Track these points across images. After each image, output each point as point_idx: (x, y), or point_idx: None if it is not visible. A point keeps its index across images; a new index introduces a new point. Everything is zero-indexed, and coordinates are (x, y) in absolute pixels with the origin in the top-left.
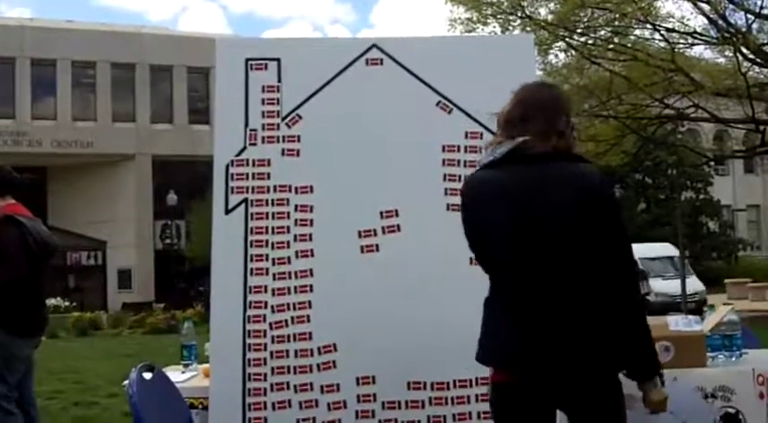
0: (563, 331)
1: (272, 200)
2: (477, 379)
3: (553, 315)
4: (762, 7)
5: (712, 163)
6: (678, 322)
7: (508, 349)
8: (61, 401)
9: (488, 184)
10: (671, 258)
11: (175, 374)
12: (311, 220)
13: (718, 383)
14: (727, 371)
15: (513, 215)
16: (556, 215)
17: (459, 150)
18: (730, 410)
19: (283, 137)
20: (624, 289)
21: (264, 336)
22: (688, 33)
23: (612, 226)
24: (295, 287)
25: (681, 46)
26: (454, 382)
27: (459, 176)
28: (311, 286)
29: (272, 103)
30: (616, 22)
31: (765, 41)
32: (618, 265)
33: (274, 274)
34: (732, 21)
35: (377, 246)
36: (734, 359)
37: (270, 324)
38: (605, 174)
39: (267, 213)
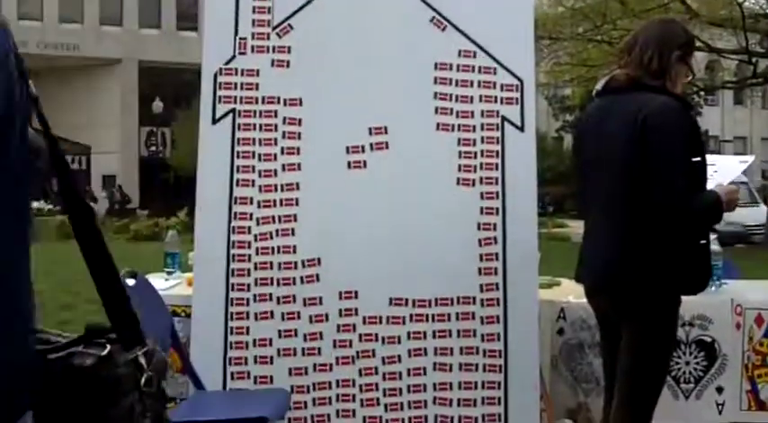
0: (602, 250)
1: (260, 111)
2: (458, 298)
3: (598, 237)
4: None
5: (702, 93)
6: None
7: (578, 261)
8: (42, 303)
9: (586, 114)
10: (745, 184)
11: (159, 282)
12: (299, 134)
13: (696, 312)
14: (705, 300)
15: (590, 143)
16: (610, 145)
17: (451, 69)
18: (706, 339)
19: (273, 47)
20: (658, 214)
21: (249, 247)
22: None
23: (658, 156)
24: (281, 200)
25: None
26: (436, 299)
27: (451, 95)
28: (297, 200)
29: (263, 12)
30: None
31: None
32: (656, 191)
33: (260, 187)
34: None
35: (364, 162)
36: (713, 289)
37: (254, 236)
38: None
39: (255, 125)
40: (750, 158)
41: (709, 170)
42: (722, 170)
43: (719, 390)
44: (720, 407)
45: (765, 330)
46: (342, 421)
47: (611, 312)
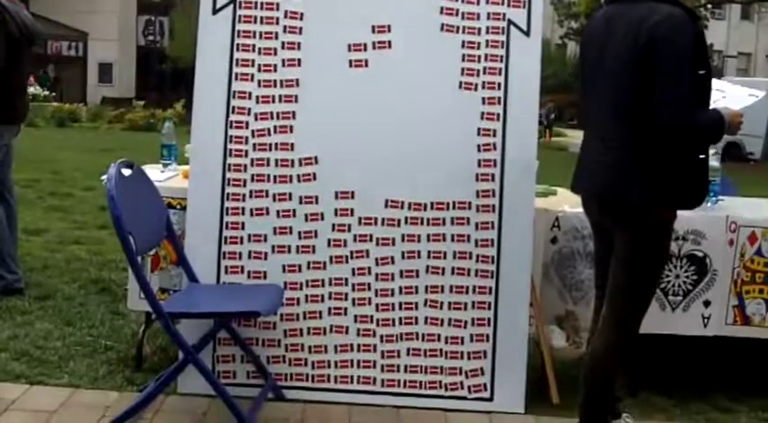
0: (601, 161)
1: (262, 3)
2: (454, 202)
3: (597, 146)
4: None
5: (710, 5)
6: None
7: (575, 172)
8: (37, 191)
9: (593, 22)
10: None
11: (154, 173)
12: (300, 29)
13: (690, 227)
14: (700, 215)
15: (594, 51)
16: (614, 53)
17: None
18: (698, 253)
19: None
20: (659, 127)
21: (246, 142)
22: None
23: (662, 67)
24: (280, 96)
25: None
26: (431, 203)
27: None
28: (296, 97)
29: None
30: None
31: None
32: (659, 103)
33: (259, 81)
34: None
35: (366, 61)
36: (709, 205)
37: (252, 131)
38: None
39: (255, 17)
40: (761, 93)
41: (718, 95)
42: (730, 98)
43: (706, 303)
44: (706, 320)
45: (757, 248)
46: (333, 319)
47: (606, 222)
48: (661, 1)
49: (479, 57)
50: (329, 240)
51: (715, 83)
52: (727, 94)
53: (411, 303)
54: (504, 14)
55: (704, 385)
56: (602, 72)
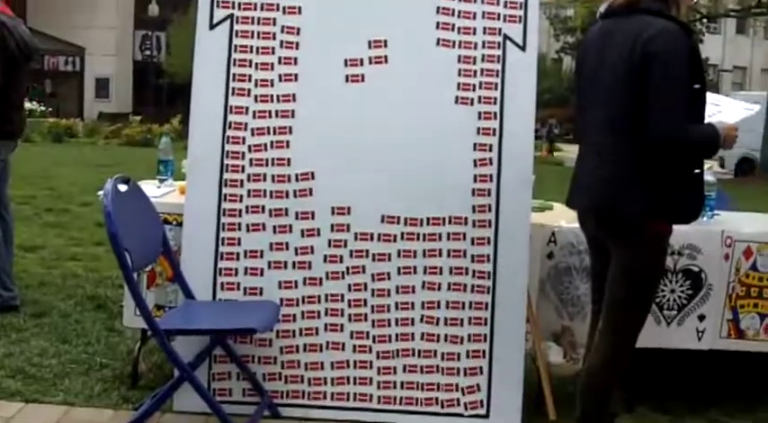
0: (597, 175)
1: (259, 18)
2: (450, 217)
3: (592, 161)
4: None
5: (705, 20)
6: None
7: (570, 186)
8: (33, 207)
9: (589, 35)
10: None
11: (151, 189)
12: (297, 44)
13: (686, 242)
14: (695, 230)
15: (590, 65)
16: (609, 68)
17: None
18: (693, 268)
19: None
20: (653, 142)
21: (243, 158)
22: None
23: (656, 82)
24: (276, 111)
25: None
26: (428, 219)
27: (453, 10)
28: (293, 112)
29: None
30: None
31: None
32: (653, 118)
33: (256, 96)
34: None
35: (362, 76)
36: (705, 219)
37: (249, 146)
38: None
39: (252, 32)
40: (756, 107)
41: (713, 109)
42: (726, 111)
43: (701, 317)
44: (701, 334)
45: (753, 263)
46: (330, 335)
47: (602, 236)
48: (656, 15)
49: (475, 71)
50: (325, 256)
51: (710, 96)
52: (722, 108)
53: (407, 319)
54: (500, 29)
55: (700, 400)
56: (598, 86)
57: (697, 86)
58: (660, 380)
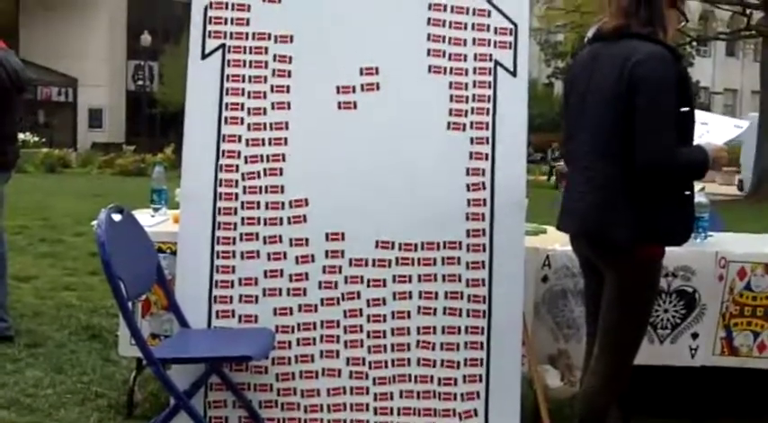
0: (586, 199)
1: (251, 47)
2: (444, 242)
3: (582, 185)
4: None
5: (695, 43)
6: None
7: (560, 210)
8: (27, 237)
9: (578, 59)
10: None
11: (145, 218)
12: (289, 72)
13: (680, 263)
14: (689, 251)
15: (578, 90)
16: (598, 92)
17: (445, 10)
18: (687, 289)
19: None
20: (641, 167)
21: (236, 185)
22: None
23: (643, 107)
24: (269, 139)
25: None
26: (422, 243)
27: (444, 37)
28: (286, 139)
29: None
30: None
31: None
32: (641, 143)
33: (249, 124)
34: None
35: (354, 103)
36: (698, 241)
37: (242, 174)
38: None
39: (244, 61)
40: (745, 123)
41: (702, 129)
42: (715, 131)
43: (694, 335)
44: (694, 351)
45: (747, 283)
46: (325, 362)
47: (595, 260)
48: (644, 39)
49: (467, 97)
50: (320, 282)
51: (699, 114)
52: (711, 127)
53: (403, 345)
54: (491, 55)
55: (696, 418)
56: (587, 110)
57: (685, 109)
58: (657, 398)
